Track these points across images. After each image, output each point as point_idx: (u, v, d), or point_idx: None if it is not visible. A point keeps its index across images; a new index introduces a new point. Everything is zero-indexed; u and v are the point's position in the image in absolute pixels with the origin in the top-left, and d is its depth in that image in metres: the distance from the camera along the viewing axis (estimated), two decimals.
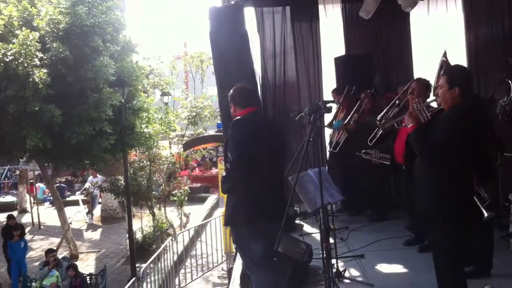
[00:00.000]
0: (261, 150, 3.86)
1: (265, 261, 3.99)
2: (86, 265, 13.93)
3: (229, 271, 8.47)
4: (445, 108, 3.96)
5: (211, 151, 21.20)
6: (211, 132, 20.89)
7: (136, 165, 15.33)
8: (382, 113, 5.92)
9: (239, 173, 3.82)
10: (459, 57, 7.68)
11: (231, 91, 4.30)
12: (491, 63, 8.14)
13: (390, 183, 7.88)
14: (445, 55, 6.04)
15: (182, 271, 11.80)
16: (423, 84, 5.38)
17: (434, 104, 4.55)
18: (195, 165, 23.42)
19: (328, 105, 4.98)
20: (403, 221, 6.71)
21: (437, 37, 8.41)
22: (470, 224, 4.19)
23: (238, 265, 5.98)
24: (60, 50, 10.95)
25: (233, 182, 3.93)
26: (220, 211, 14.64)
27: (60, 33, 11.35)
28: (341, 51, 8.79)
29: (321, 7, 8.67)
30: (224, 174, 3.98)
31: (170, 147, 18.21)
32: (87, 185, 19.83)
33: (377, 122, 5.84)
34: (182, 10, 54.16)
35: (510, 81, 6.69)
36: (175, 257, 11.62)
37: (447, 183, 3.79)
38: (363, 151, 6.71)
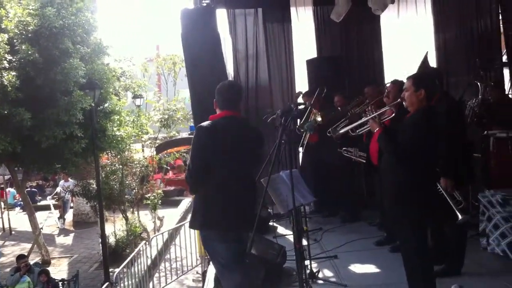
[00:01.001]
0: (222, 156, 3.81)
1: (233, 263, 3.95)
2: (59, 270, 13.71)
3: (204, 274, 8.43)
4: (411, 111, 4.05)
5: (185, 154, 21.08)
6: (184, 134, 20.79)
7: (108, 168, 15.15)
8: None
9: (192, 179, 3.82)
10: (429, 59, 7.78)
11: (217, 87, 4.20)
12: (460, 65, 8.32)
13: (362, 184, 7.97)
14: (426, 58, 6.14)
15: (156, 275, 11.70)
16: (398, 87, 5.42)
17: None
18: (169, 168, 23.28)
19: (300, 107, 5.02)
20: (375, 221, 6.81)
21: (407, 39, 8.55)
22: (437, 224, 4.29)
23: (212, 268, 5.96)
24: (29, 52, 10.79)
25: (191, 187, 3.93)
26: None
27: (29, 35, 11.17)
28: (313, 53, 8.84)
29: (293, 10, 8.73)
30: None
31: (142, 150, 18.06)
32: (58, 189, 19.53)
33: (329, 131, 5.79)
34: (154, 12, 53.75)
35: (478, 83, 6.83)
36: (149, 261, 11.51)
37: (413, 184, 3.90)
38: (343, 148, 6.73)
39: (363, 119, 4.36)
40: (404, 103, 4.17)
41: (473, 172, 5.28)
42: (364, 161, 6.35)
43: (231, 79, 8.43)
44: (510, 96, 7.46)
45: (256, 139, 4.12)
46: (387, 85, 5.61)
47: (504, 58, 8.42)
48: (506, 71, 8.32)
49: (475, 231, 5.88)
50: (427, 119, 3.95)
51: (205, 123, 3.92)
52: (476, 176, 6.43)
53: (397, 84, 5.43)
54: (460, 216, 4.29)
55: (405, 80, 4.26)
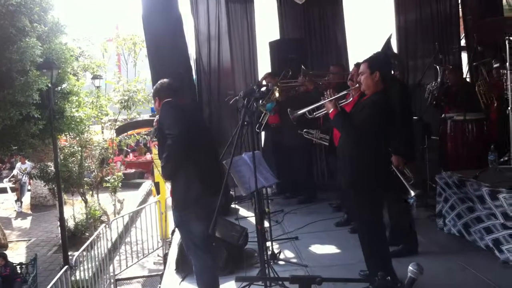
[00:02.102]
0: (193, 131, 3.86)
1: (205, 243, 4.00)
2: (16, 254, 13.49)
3: (165, 257, 8.39)
4: (368, 94, 4.14)
5: (145, 136, 20.84)
6: (145, 116, 20.46)
7: (66, 150, 14.87)
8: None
9: (181, 149, 3.78)
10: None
11: (156, 86, 4.23)
12: (420, 48, 8.45)
13: (323, 166, 8.05)
14: (388, 41, 6.21)
15: (117, 258, 11.59)
16: (366, 68, 5.45)
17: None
18: (130, 150, 22.99)
19: (262, 88, 5.01)
20: (336, 203, 6.91)
21: (370, 21, 8.62)
22: (389, 200, 4.41)
23: (173, 251, 5.93)
24: None
25: (176, 160, 3.85)
26: (156, 198, 14.49)
27: None
28: (276, 35, 8.82)
29: None
30: (164, 155, 3.90)
31: (102, 132, 17.76)
32: (15, 172, 19.07)
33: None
34: None
35: (437, 66, 6.95)
36: (109, 244, 11.38)
37: (367, 162, 3.99)
38: (304, 130, 6.75)
39: (321, 102, 4.39)
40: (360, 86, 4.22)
41: (414, 149, 5.50)
42: (327, 143, 6.40)
43: (193, 61, 8.34)
44: (467, 79, 7.62)
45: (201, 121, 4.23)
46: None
47: (463, 42, 8.59)
48: (464, 55, 8.50)
49: (432, 212, 6.04)
50: (384, 101, 4.05)
51: (165, 103, 4.01)
52: (432, 158, 6.64)
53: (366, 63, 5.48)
54: (412, 192, 4.43)
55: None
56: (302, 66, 6.87)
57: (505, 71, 5.19)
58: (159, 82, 4.25)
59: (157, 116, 4.15)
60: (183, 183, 3.92)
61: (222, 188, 3.83)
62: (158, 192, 14.80)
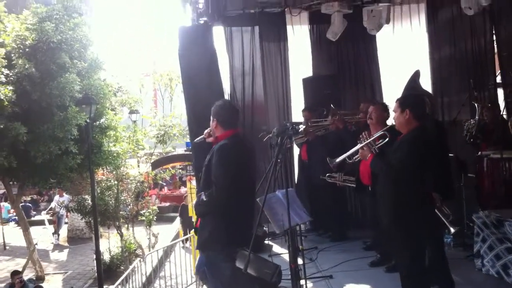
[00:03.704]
0: (244, 176, 3.88)
1: (234, 282, 3.98)
2: (53, 287, 13.63)
3: None
4: (403, 132, 4.15)
5: (180, 170, 21.03)
6: (180, 150, 20.73)
7: (103, 184, 15.11)
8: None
9: (224, 201, 3.81)
10: (425, 76, 7.83)
11: (217, 105, 4.24)
12: (455, 84, 8.35)
13: (352, 203, 7.98)
14: (415, 77, 6.19)
15: None
16: (379, 108, 5.51)
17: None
18: (164, 184, 23.21)
19: (296, 126, 5.03)
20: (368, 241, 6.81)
21: (403, 56, 8.59)
22: (429, 240, 4.34)
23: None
24: (26, 66, 10.82)
25: (214, 208, 3.90)
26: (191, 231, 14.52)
27: (27, 49, 11.23)
28: (308, 71, 8.87)
29: (289, 28, 8.76)
30: (204, 198, 3.94)
31: (138, 165, 18.02)
32: (53, 204, 19.46)
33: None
34: (152, 28, 53.96)
35: (475, 104, 6.86)
36: (144, 279, 11.44)
37: (407, 201, 3.96)
38: (327, 174, 6.73)
39: (358, 146, 4.40)
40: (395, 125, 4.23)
41: (452, 187, 5.58)
42: (353, 185, 6.32)
43: (227, 96, 8.45)
44: (504, 117, 7.49)
45: (254, 154, 4.19)
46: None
47: (498, 79, 8.48)
48: (500, 92, 8.37)
49: (469, 251, 5.89)
50: (420, 138, 4.03)
51: (226, 142, 4.02)
52: (469, 196, 6.51)
53: (377, 105, 5.55)
54: (452, 229, 4.36)
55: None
56: (332, 106, 6.89)
57: None
58: (221, 102, 4.30)
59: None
60: (217, 223, 3.93)
61: (256, 225, 3.84)
62: (186, 230, 14.91)
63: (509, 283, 4.99)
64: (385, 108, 5.54)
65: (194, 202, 4.17)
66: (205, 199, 3.91)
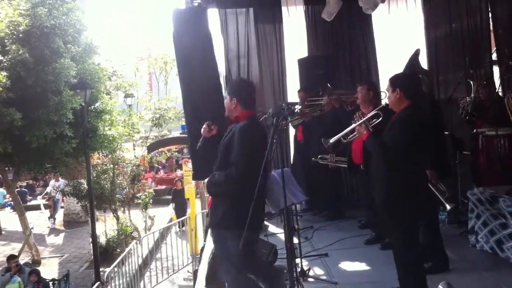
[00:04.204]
0: (261, 158, 3.86)
1: (241, 263, 3.99)
2: (49, 270, 13.65)
3: (195, 273, 8.43)
4: (396, 111, 4.18)
5: (176, 152, 21.05)
6: (176, 134, 20.77)
7: (99, 168, 15.11)
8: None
9: (243, 181, 3.81)
10: (420, 56, 7.84)
11: (235, 83, 4.22)
12: (450, 63, 8.36)
13: (347, 182, 8.01)
14: (415, 56, 6.19)
15: (147, 274, 11.71)
16: (364, 87, 5.56)
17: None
18: (160, 167, 23.24)
19: (292, 107, 5.03)
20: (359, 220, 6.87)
21: (399, 36, 8.58)
22: (423, 219, 4.38)
23: (203, 267, 5.97)
24: (20, 52, 10.77)
25: (232, 188, 3.89)
26: (187, 212, 14.59)
27: (20, 35, 11.16)
28: (304, 52, 8.85)
29: (284, 9, 8.72)
30: (222, 178, 3.93)
31: (134, 149, 18.03)
32: (49, 189, 19.46)
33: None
34: (146, 12, 53.59)
35: (471, 82, 6.88)
36: (140, 261, 11.51)
37: (401, 181, 3.98)
38: (319, 156, 6.75)
39: (353, 125, 4.42)
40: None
41: (448, 164, 5.65)
42: (345, 165, 6.33)
43: (222, 78, 8.43)
44: (500, 94, 7.51)
45: (266, 137, 4.17)
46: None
47: (494, 56, 8.49)
48: (495, 69, 8.38)
49: (464, 228, 5.94)
50: (413, 116, 4.05)
51: (247, 123, 3.99)
52: (464, 173, 6.57)
53: (362, 85, 5.59)
54: (448, 206, 4.40)
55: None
56: (328, 85, 6.88)
57: None
58: (238, 80, 4.26)
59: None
60: (232, 202, 3.93)
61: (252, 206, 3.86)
62: (179, 215, 14.95)
63: (503, 258, 5.05)
64: (370, 88, 5.58)
65: (206, 180, 4.14)
66: (222, 179, 3.90)
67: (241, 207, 3.83)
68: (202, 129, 4.34)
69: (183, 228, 14.49)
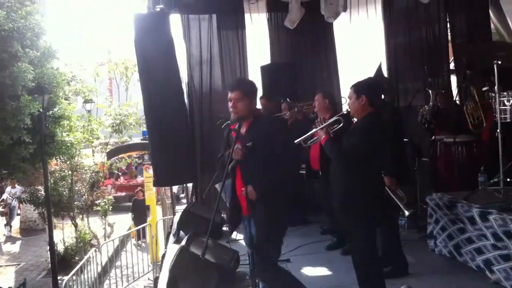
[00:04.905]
0: None
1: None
2: (5, 279, 13.36)
3: (156, 280, 8.32)
4: (358, 118, 4.25)
5: (137, 159, 20.81)
6: (137, 140, 20.55)
7: (57, 174, 14.86)
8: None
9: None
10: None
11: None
12: (410, 71, 8.55)
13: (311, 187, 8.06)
14: (379, 69, 6.34)
15: (107, 282, 11.51)
16: (320, 96, 5.74)
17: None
18: (120, 174, 22.93)
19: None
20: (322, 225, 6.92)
21: (360, 44, 8.71)
22: (381, 225, 4.45)
23: (164, 274, 5.88)
24: None
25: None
26: (147, 220, 14.44)
27: None
28: (267, 59, 8.89)
29: (247, 16, 8.74)
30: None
31: (93, 155, 17.76)
32: (5, 196, 18.96)
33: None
34: (106, 16, 52.96)
35: (429, 90, 7.05)
36: (99, 268, 11.31)
37: (359, 186, 4.03)
38: None
39: (314, 130, 4.47)
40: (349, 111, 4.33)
41: (407, 170, 5.76)
42: (303, 172, 6.38)
43: (184, 85, 8.39)
44: (457, 102, 7.72)
45: None
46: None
47: (452, 66, 8.72)
48: (453, 78, 8.62)
49: (423, 233, 6.05)
50: (374, 124, 4.12)
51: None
52: (423, 179, 6.71)
53: (318, 95, 5.78)
54: (406, 212, 4.48)
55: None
56: (287, 99, 6.95)
57: (494, 94, 5.26)
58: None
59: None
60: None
61: (214, 212, 3.84)
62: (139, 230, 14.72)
63: (461, 262, 5.15)
64: (325, 95, 5.74)
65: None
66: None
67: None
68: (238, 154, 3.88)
69: (143, 242, 14.41)
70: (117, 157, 18.29)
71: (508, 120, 5.21)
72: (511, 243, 4.30)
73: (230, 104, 3.79)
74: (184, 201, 12.25)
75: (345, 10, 7.83)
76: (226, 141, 4.15)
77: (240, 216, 3.97)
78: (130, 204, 17.98)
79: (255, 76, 8.73)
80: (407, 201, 4.76)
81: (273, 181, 3.78)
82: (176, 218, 7.76)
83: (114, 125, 16.38)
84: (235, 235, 6.91)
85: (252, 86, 4.14)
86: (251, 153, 3.76)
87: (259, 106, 7.70)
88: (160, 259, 8.31)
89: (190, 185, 9.01)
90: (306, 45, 8.89)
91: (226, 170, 3.97)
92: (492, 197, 5.07)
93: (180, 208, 8.93)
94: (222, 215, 7.26)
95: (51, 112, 13.05)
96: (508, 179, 5.17)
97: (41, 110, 11.50)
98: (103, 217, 15.96)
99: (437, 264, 5.35)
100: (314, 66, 8.89)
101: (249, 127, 3.88)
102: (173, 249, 6.17)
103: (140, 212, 15.88)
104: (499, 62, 5.17)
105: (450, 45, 8.69)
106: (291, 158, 3.85)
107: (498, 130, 5.22)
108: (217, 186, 4.26)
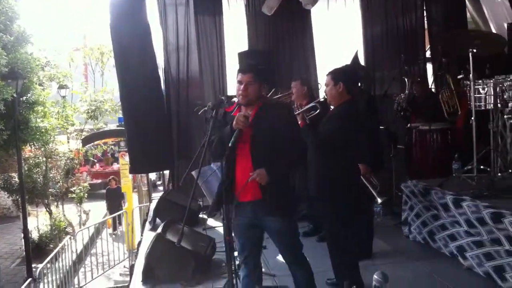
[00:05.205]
0: None
1: None
2: None
3: (131, 268, 8.29)
4: (334, 105, 4.24)
5: (112, 146, 20.62)
6: (112, 126, 20.35)
7: (31, 161, 14.66)
8: None
9: None
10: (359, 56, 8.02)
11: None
12: (387, 60, 8.61)
13: (292, 175, 8.07)
14: (356, 57, 6.35)
15: (82, 270, 11.43)
16: (298, 83, 5.70)
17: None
18: (96, 161, 22.71)
19: (232, 99, 5.00)
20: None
21: (338, 32, 8.73)
22: (357, 211, 4.48)
23: (140, 262, 5.86)
24: None
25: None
26: (122, 208, 14.33)
27: None
28: (244, 46, 8.85)
29: (224, 1, 8.68)
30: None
31: (68, 142, 17.55)
32: None
33: None
34: (82, 1, 52.10)
35: (405, 78, 7.10)
36: (74, 256, 11.21)
37: (334, 173, 4.05)
38: None
39: None
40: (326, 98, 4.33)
41: (382, 158, 5.77)
42: None
43: (161, 70, 8.31)
44: (433, 90, 7.80)
45: None
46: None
47: (428, 54, 8.80)
48: (429, 66, 8.70)
49: (398, 220, 6.12)
50: (350, 111, 4.14)
51: None
52: (399, 167, 6.78)
53: (296, 81, 5.74)
54: (379, 199, 4.52)
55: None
56: (263, 93, 6.91)
57: (469, 82, 5.32)
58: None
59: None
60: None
61: (190, 199, 3.81)
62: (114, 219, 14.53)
63: (434, 249, 5.22)
64: (303, 83, 5.72)
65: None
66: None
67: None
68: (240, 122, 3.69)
69: (118, 231, 14.31)
70: (92, 143, 18.11)
71: (483, 108, 5.27)
72: (483, 230, 4.36)
73: (240, 86, 3.69)
74: (161, 188, 12.20)
75: None
76: (217, 124, 4.03)
77: (231, 201, 3.86)
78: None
79: (233, 62, 8.70)
80: (380, 189, 4.80)
81: (285, 165, 3.76)
82: (153, 205, 7.73)
83: (90, 111, 16.17)
84: (212, 222, 6.92)
85: (263, 72, 4.12)
86: (261, 137, 3.67)
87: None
88: (136, 246, 8.28)
89: (167, 172, 8.96)
90: (283, 31, 8.88)
91: (202, 157, 3.94)
92: (466, 184, 5.14)
93: (156, 196, 8.88)
94: (199, 202, 7.25)
95: (25, 97, 12.81)
96: (481, 167, 5.24)
97: (14, 95, 11.28)
98: (78, 204, 15.80)
99: (411, 250, 5.41)
100: (292, 53, 8.87)
101: (257, 111, 3.82)
102: (149, 236, 6.16)
103: (114, 201, 15.44)
104: (474, 51, 5.22)
105: (426, 33, 8.77)
106: (302, 142, 3.82)
107: (472, 118, 5.27)
108: (194, 173, 4.23)
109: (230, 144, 3.55)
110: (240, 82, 3.68)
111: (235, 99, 6.70)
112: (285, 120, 3.74)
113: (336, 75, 4.23)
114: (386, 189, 6.14)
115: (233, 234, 4.30)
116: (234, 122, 3.59)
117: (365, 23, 8.82)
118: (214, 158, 4.16)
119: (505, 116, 5.23)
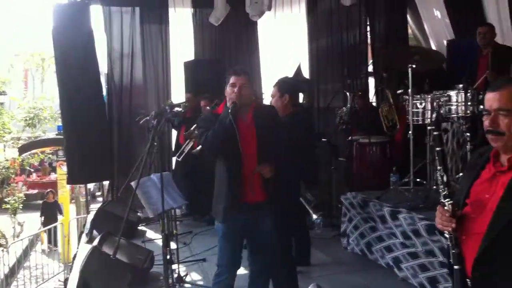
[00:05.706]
0: None
1: None
2: None
3: (65, 282, 8.01)
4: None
5: (50, 155, 19.99)
6: (51, 135, 19.78)
7: None
8: None
9: None
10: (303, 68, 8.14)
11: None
12: (330, 73, 8.76)
13: None
14: (298, 69, 6.41)
15: (15, 283, 10.98)
16: None
17: None
18: (33, 170, 21.96)
19: (175, 109, 4.95)
20: None
21: (284, 43, 8.84)
22: (294, 223, 4.49)
23: (75, 275, 5.67)
24: None
25: None
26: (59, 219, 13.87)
27: None
28: (191, 55, 8.81)
29: (171, 10, 8.62)
30: None
31: (4, 150, 16.94)
32: None
33: None
34: (23, 5, 50.66)
35: (347, 92, 7.23)
36: (6, 269, 10.78)
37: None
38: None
39: None
40: None
41: (316, 174, 5.82)
42: None
43: (103, 78, 8.16)
44: (373, 104, 7.97)
45: None
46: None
47: (370, 68, 9.01)
48: (371, 80, 8.91)
49: (337, 231, 6.17)
50: (292, 124, 4.15)
51: None
52: (340, 179, 6.87)
53: None
54: (314, 215, 4.53)
55: None
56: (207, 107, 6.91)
57: (408, 97, 5.43)
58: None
59: None
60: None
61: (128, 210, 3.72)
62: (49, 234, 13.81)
63: (371, 260, 5.28)
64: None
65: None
66: None
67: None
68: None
69: (53, 246, 13.79)
70: (29, 152, 17.53)
71: (420, 122, 5.40)
72: (418, 241, 4.44)
73: (233, 89, 3.61)
74: (100, 199, 11.91)
75: (269, 9, 7.91)
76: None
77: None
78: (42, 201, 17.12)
79: (178, 71, 8.64)
80: (317, 203, 4.81)
81: (283, 164, 3.81)
82: (90, 217, 7.51)
83: (28, 118, 15.69)
84: (151, 234, 6.80)
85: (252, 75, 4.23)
86: (264, 135, 3.69)
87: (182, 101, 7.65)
88: (72, 259, 8.03)
89: (106, 182, 8.74)
90: (230, 42, 8.91)
91: (142, 167, 3.87)
92: (403, 196, 5.23)
93: (95, 207, 8.64)
94: (138, 213, 7.11)
95: None
96: (418, 179, 5.36)
97: None
98: (12, 215, 15.22)
99: (349, 262, 5.45)
100: (238, 63, 8.87)
101: (254, 113, 3.76)
102: (85, 249, 5.96)
103: (50, 216, 14.12)
104: (414, 66, 5.35)
105: (369, 48, 8.99)
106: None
107: (410, 132, 5.39)
108: (133, 183, 4.13)
109: (230, 117, 3.51)
110: (233, 85, 3.64)
111: (178, 109, 6.65)
112: (276, 120, 3.85)
113: (282, 86, 4.24)
114: (326, 201, 6.22)
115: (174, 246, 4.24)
116: (227, 100, 3.66)
117: (311, 36, 8.96)
118: (211, 153, 4.10)
119: (428, 128, 5.29)
